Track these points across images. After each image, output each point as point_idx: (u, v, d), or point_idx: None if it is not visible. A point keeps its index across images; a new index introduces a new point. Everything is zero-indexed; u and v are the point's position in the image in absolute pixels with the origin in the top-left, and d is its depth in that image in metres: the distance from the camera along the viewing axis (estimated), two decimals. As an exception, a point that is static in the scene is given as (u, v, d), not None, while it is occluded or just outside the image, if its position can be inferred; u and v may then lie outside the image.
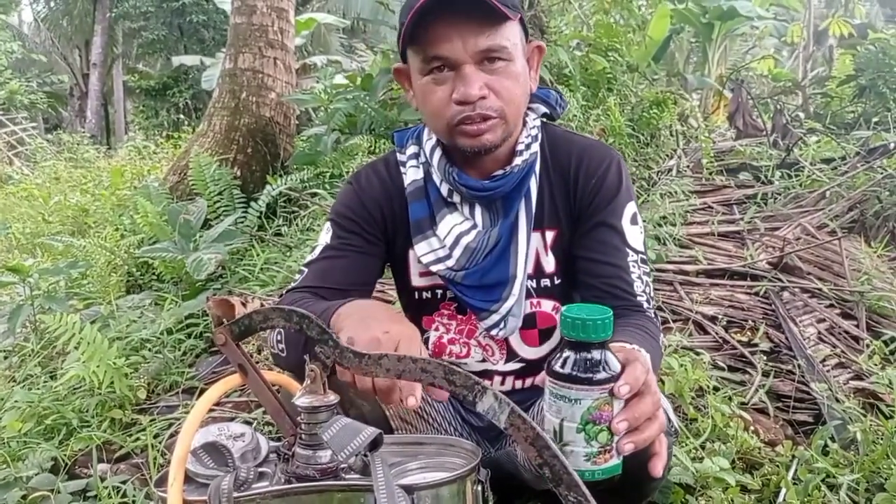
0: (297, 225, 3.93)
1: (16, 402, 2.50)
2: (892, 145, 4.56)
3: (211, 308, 2.96)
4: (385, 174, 1.51)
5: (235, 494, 1.00)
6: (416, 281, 1.52)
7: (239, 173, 4.57)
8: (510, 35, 1.29)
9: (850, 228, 3.77)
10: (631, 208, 1.41)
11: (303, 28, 8.74)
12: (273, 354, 1.34)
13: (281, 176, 4.40)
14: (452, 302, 1.51)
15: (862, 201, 3.90)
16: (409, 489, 0.99)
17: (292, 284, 1.44)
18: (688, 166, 4.49)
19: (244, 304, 2.84)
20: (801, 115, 6.40)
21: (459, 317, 1.52)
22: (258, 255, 3.53)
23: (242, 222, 3.98)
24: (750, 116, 5.65)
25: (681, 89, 6.08)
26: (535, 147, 1.42)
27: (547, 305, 1.48)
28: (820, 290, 2.99)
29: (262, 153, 4.73)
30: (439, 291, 1.52)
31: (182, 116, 15.98)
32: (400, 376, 1.00)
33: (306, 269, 1.45)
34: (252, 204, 4.12)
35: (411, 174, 1.47)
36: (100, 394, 2.46)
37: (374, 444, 1.05)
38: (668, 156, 4.68)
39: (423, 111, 1.38)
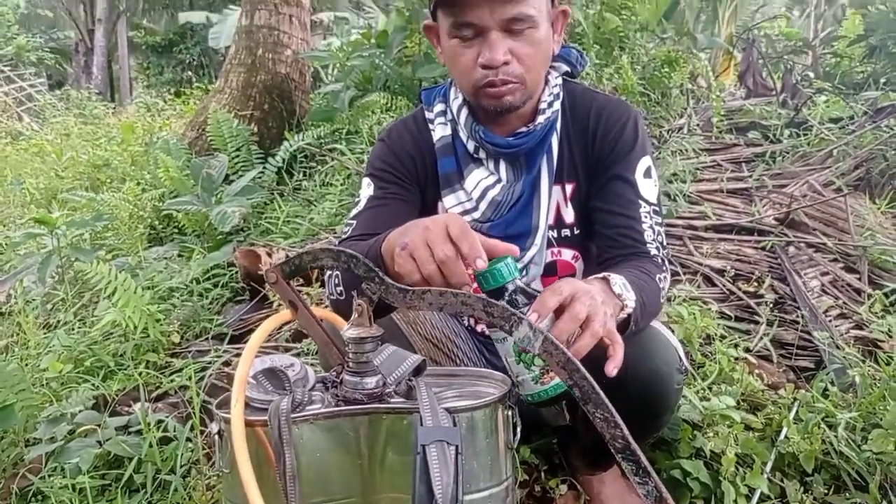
0: (315, 180, 4.02)
1: (52, 345, 2.62)
2: (899, 105, 4.61)
3: (238, 258, 3.09)
4: (414, 129, 1.59)
5: (292, 415, 1.11)
6: None
7: (256, 129, 4.63)
8: (536, 3, 1.35)
9: (856, 186, 3.85)
10: (645, 162, 1.49)
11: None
12: (332, 301, 1.41)
13: (298, 132, 4.47)
14: None
15: (868, 160, 3.97)
16: (447, 411, 1.10)
17: (343, 237, 1.51)
18: (698, 125, 4.55)
19: (269, 255, 2.95)
20: (811, 74, 6.41)
21: None
22: (280, 208, 3.62)
23: (261, 177, 4.07)
24: (760, 76, 5.68)
25: (690, 48, 6.08)
26: (557, 105, 1.50)
27: (567, 254, 1.58)
28: (824, 244, 3.08)
29: (279, 109, 4.80)
30: None
31: (190, 73, 15.90)
32: (441, 309, 1.11)
33: (354, 222, 1.51)
34: (270, 160, 4.20)
35: (439, 131, 1.56)
36: (134, 338, 2.58)
37: (418, 371, 1.17)
38: (678, 114, 4.73)
39: (451, 70, 1.46)
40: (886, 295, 2.72)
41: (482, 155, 1.53)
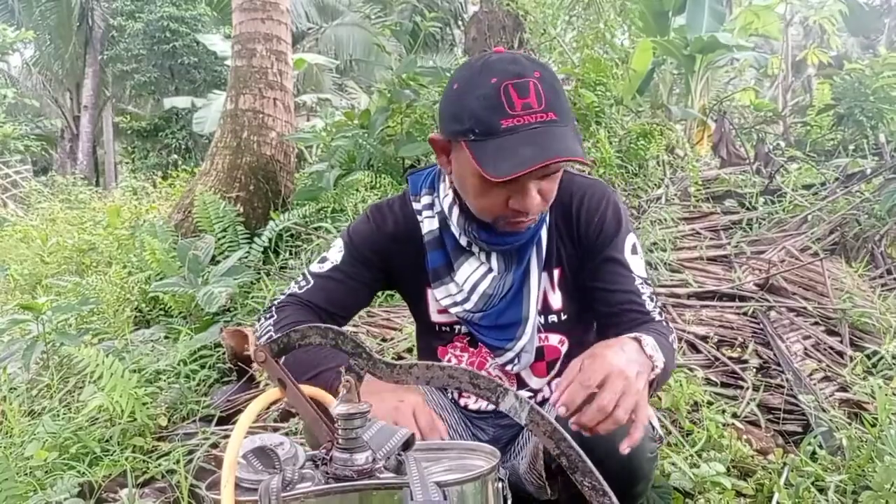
0: (301, 258, 4.06)
1: (37, 433, 2.59)
2: (868, 171, 4.74)
3: (225, 339, 3.09)
4: (401, 217, 1.61)
5: (283, 494, 1.11)
6: (435, 317, 1.65)
7: (241, 210, 4.71)
8: None
9: (832, 250, 3.93)
10: (630, 240, 1.56)
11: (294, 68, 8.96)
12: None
13: (283, 212, 4.53)
14: (466, 335, 1.64)
15: (842, 224, 4.07)
16: (437, 485, 1.11)
17: (295, 289, 1.57)
18: (675, 194, 4.64)
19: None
20: (783, 143, 6.60)
21: (471, 349, 1.66)
22: (266, 287, 3.64)
23: (247, 257, 4.11)
24: (733, 146, 5.84)
25: (665, 120, 6.26)
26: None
27: (553, 339, 1.62)
28: (805, 308, 3.13)
29: (264, 190, 4.88)
30: (456, 327, 1.65)
31: (176, 156, 16.10)
32: (429, 383, 1.13)
33: (312, 280, 1.57)
34: (256, 240, 4.24)
35: (427, 224, 1.58)
36: (120, 423, 2.56)
37: (407, 445, 1.18)
38: (656, 185, 4.84)
39: (468, 196, 1.45)
40: (868, 356, 2.76)
41: (475, 249, 1.56)
